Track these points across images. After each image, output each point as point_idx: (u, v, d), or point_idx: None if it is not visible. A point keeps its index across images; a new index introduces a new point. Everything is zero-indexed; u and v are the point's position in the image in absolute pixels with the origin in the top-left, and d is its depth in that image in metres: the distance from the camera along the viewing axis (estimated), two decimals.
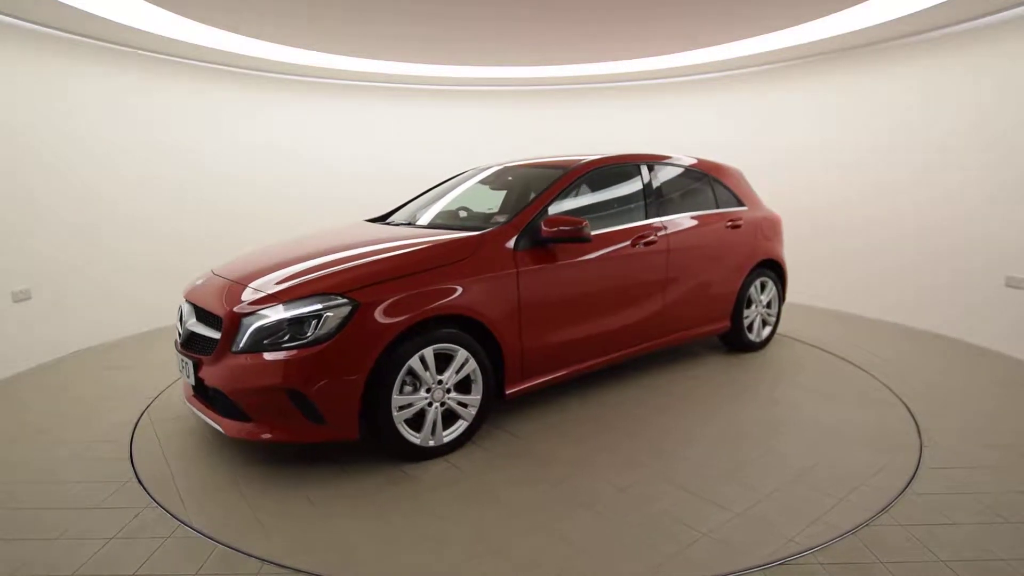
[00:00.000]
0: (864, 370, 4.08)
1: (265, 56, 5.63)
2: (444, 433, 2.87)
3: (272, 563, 2.08)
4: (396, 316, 2.62)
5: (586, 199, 3.81)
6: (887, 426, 3.18)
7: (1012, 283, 4.43)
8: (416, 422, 2.79)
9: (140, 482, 2.65)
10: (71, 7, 4.03)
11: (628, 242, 3.57)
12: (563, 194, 3.44)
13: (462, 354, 2.84)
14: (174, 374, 4.04)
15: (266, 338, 2.54)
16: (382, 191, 6.74)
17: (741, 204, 4.41)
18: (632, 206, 3.78)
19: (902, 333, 5.05)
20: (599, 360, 3.55)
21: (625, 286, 3.59)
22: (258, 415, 2.58)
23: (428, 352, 2.73)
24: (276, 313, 2.56)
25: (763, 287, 4.52)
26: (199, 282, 3.16)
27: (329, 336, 2.51)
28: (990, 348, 4.57)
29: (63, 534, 2.25)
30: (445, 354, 2.82)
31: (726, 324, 4.29)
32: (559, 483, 2.63)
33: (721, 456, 2.86)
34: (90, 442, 3.04)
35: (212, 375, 2.65)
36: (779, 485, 2.57)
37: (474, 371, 2.90)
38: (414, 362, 2.69)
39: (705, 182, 4.24)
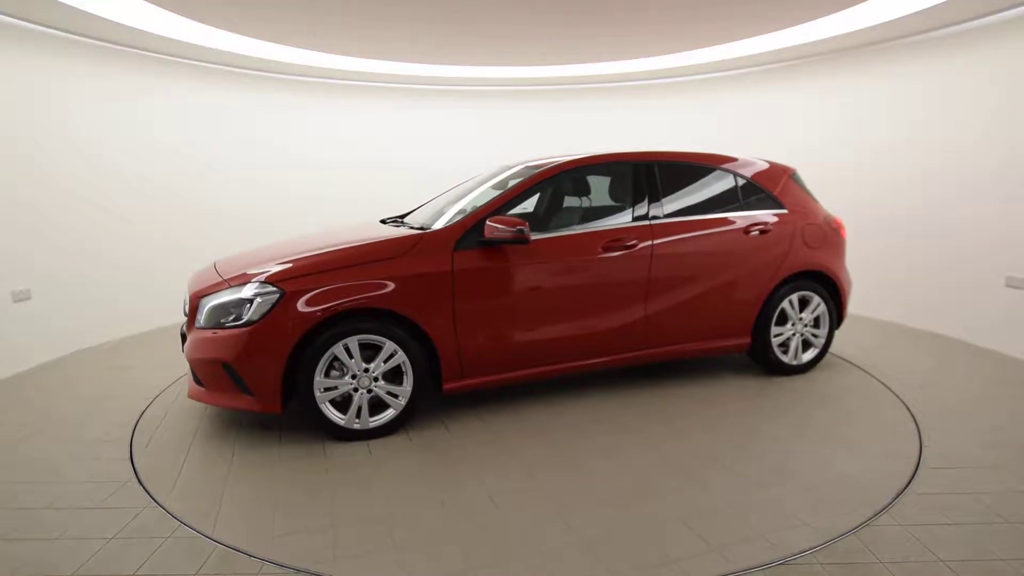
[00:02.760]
0: (899, 398, 3.61)
1: (265, 56, 5.62)
2: (371, 419, 3.05)
3: (272, 563, 2.08)
4: (317, 306, 2.87)
5: (565, 200, 3.73)
6: (875, 471, 2.68)
7: (1012, 283, 4.43)
8: (346, 405, 3.02)
9: (140, 482, 2.65)
10: (71, 7, 4.03)
11: (598, 246, 3.36)
12: (525, 195, 3.38)
13: (389, 346, 3.00)
14: (174, 374, 4.05)
15: (220, 318, 2.92)
16: (384, 191, 6.78)
17: (780, 207, 3.86)
18: (614, 208, 3.63)
19: (900, 332, 5.04)
20: (564, 366, 3.40)
21: (590, 292, 3.38)
22: (207, 382, 2.99)
23: (352, 341, 2.94)
24: (222, 297, 2.95)
25: (804, 303, 3.92)
26: (200, 270, 3.52)
27: (258, 319, 2.83)
28: (990, 348, 4.56)
29: (63, 534, 2.25)
30: (377, 345, 2.99)
31: (745, 341, 3.82)
32: (447, 483, 2.63)
33: (628, 482, 2.62)
34: (90, 442, 3.05)
35: (186, 346, 3.07)
36: (666, 520, 2.32)
37: (404, 363, 3.04)
38: (337, 349, 2.92)
39: (727, 182, 3.81)
